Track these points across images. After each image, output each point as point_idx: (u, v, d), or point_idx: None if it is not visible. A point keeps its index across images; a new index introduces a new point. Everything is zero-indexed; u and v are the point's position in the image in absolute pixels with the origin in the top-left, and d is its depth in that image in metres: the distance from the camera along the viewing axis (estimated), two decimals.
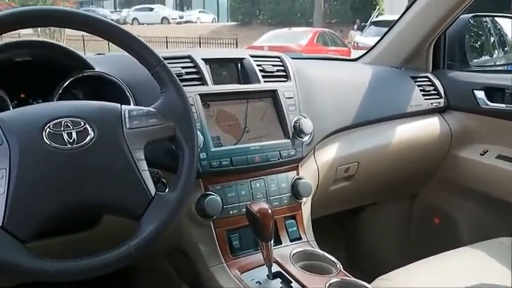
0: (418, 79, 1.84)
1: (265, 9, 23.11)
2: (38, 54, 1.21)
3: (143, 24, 25.38)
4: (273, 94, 1.39)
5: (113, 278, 1.35)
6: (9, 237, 0.83)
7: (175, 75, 1.04)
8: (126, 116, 0.96)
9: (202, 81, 1.32)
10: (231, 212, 1.28)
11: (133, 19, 26.84)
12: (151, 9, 27.31)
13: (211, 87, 1.32)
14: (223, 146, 1.29)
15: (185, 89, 1.08)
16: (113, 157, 0.93)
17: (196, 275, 1.31)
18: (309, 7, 21.24)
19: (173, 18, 26.93)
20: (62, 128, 0.90)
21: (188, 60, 1.34)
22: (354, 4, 20.03)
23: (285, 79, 1.45)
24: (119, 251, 0.90)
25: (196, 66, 1.34)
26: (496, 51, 2.19)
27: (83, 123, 0.92)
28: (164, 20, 26.59)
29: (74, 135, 0.90)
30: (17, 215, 0.84)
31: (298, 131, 1.38)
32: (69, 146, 0.89)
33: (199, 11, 28.91)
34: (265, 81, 1.40)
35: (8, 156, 0.85)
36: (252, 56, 1.44)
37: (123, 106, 0.98)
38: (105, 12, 28.35)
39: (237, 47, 15.11)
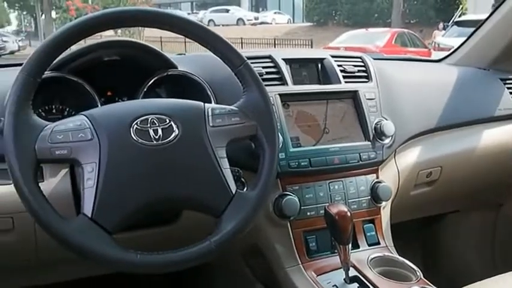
0: (508, 81, 1.75)
1: (341, 9, 22.86)
2: (125, 54, 1.26)
3: (219, 25, 25.75)
4: (353, 95, 1.37)
5: (187, 276, 1.38)
6: (97, 228, 0.86)
7: (257, 74, 1.04)
8: (209, 114, 0.98)
9: (282, 81, 1.32)
10: (308, 213, 1.27)
11: (209, 20, 27.32)
12: (227, 11, 27.71)
13: (291, 87, 1.32)
14: (302, 147, 1.28)
15: (267, 89, 1.07)
16: (196, 154, 0.94)
17: (271, 275, 1.31)
18: (387, 7, 20.76)
19: (248, 20, 27.14)
20: (149, 125, 0.92)
21: (269, 60, 1.35)
22: (435, 3, 19.40)
23: (366, 80, 1.42)
24: (200, 247, 0.92)
25: (276, 66, 1.34)
26: None
27: (168, 121, 0.94)
28: (239, 21, 26.88)
29: (160, 131, 0.92)
30: (105, 208, 0.87)
31: (379, 133, 1.35)
32: (154, 142, 0.91)
33: (275, 12, 29.00)
34: (345, 82, 1.38)
35: (98, 150, 0.89)
36: (333, 56, 1.43)
37: (206, 104, 1.00)
38: (182, 14, 29.23)
39: (312, 48, 15.06)
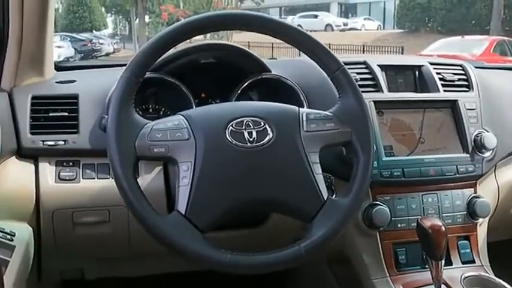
0: None
1: (435, 16, 22.12)
2: (221, 57, 1.28)
3: (307, 31, 25.79)
4: (452, 104, 1.32)
5: (270, 279, 1.38)
6: (190, 226, 0.88)
7: (354, 80, 1.02)
8: (304, 118, 0.97)
9: (377, 87, 1.29)
10: (399, 225, 1.24)
11: (297, 26, 27.42)
12: (315, 16, 27.57)
13: (387, 95, 1.29)
14: (396, 156, 1.24)
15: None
16: (290, 158, 0.94)
17: (357, 285, 1.29)
18: (486, 13, 19.76)
19: (337, 26, 26.81)
20: (244, 127, 0.93)
21: (364, 66, 1.33)
22: None
23: (467, 89, 1.37)
24: (289, 251, 0.91)
25: (371, 72, 1.31)
26: None
27: (262, 123, 0.94)
28: (328, 27, 26.64)
29: (254, 134, 0.93)
30: (198, 206, 0.89)
31: (479, 146, 1.28)
32: (249, 144, 0.92)
33: (364, 18, 28.55)
34: (444, 91, 1.33)
35: (194, 150, 0.91)
36: (431, 64, 1.38)
37: (301, 109, 0.99)
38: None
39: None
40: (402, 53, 14.86)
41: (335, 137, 0.98)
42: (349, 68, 1.24)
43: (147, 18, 27.04)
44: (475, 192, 1.30)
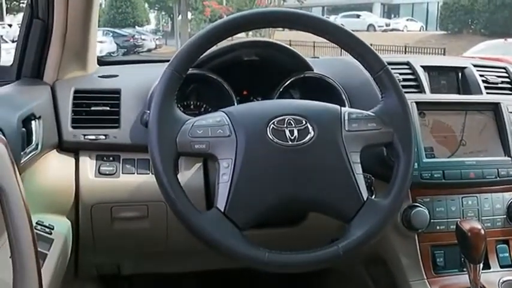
0: None
1: (478, 18, 21.66)
2: (264, 55, 1.30)
3: None
4: (495, 107, 1.31)
5: (306, 278, 1.39)
6: (229, 223, 0.89)
7: (397, 81, 1.02)
8: (346, 118, 0.97)
9: (419, 88, 1.29)
10: (438, 227, 1.23)
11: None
12: (358, 16, 27.33)
13: (429, 96, 1.28)
14: (436, 158, 1.24)
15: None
16: (330, 157, 0.94)
17: (393, 286, 1.28)
18: None
19: (379, 26, 26.56)
20: (285, 125, 0.94)
21: (407, 66, 1.33)
22: None
23: (510, 92, 1.36)
24: (328, 251, 0.92)
25: (414, 73, 1.31)
26: None
27: (304, 122, 0.95)
28: (370, 27, 26.40)
29: (296, 132, 0.94)
30: (238, 203, 0.90)
31: None
32: (290, 142, 0.93)
33: (407, 19, 28.15)
34: (487, 93, 1.32)
35: (235, 147, 0.92)
36: (475, 66, 1.37)
37: (342, 108, 0.99)
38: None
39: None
40: (444, 55, 14.62)
41: (377, 137, 0.99)
42: (392, 68, 1.24)
43: (189, 15, 27.29)
44: None
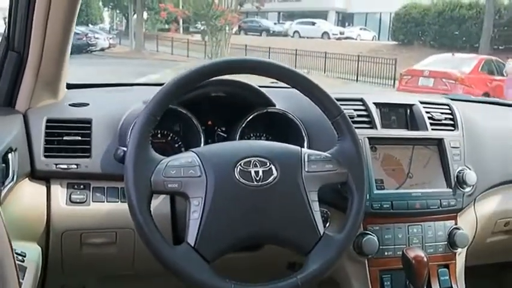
0: None
1: (428, 30, 22.31)
2: (230, 91, 1.38)
3: (304, 37, 25.78)
4: (439, 142, 1.43)
5: None
6: (198, 257, 0.98)
7: (353, 125, 1.13)
8: (306, 160, 1.07)
9: (371, 124, 1.39)
10: (386, 253, 1.33)
11: (294, 32, 27.33)
12: (313, 24, 27.54)
13: (380, 131, 1.39)
14: (386, 190, 1.35)
15: (356, 131, 1.15)
16: (291, 196, 1.04)
17: None
18: (476, 31, 19.99)
19: (334, 34, 26.93)
20: (251, 166, 1.03)
21: (360, 103, 1.43)
22: None
23: (453, 128, 1.47)
24: (288, 282, 1.01)
25: (367, 109, 1.41)
26: None
27: (268, 163, 1.04)
28: (325, 34, 26.71)
29: (261, 173, 1.03)
30: (207, 239, 0.98)
31: (461, 182, 1.39)
32: (255, 183, 1.02)
33: (360, 28, 28.69)
34: (432, 129, 1.44)
35: (205, 186, 1.00)
36: (422, 103, 1.49)
37: (303, 150, 1.09)
38: (269, 24, 29.34)
39: (395, 67, 14.84)
40: (395, 66, 15.03)
41: (333, 177, 1.09)
42: (347, 105, 1.35)
43: (145, 15, 26.96)
44: (456, 224, 1.41)
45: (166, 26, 27.09)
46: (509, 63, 10.01)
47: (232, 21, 19.03)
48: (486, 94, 10.66)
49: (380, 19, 30.10)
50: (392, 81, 14.58)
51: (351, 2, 30.89)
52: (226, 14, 18.35)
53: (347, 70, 16.68)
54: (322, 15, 30.37)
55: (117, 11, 33.12)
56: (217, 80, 1.31)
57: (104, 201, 1.22)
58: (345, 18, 32.73)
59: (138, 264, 1.29)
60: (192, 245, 0.98)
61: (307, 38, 25.32)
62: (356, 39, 26.76)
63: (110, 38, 24.56)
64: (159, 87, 1.04)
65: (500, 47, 19.21)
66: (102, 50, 21.46)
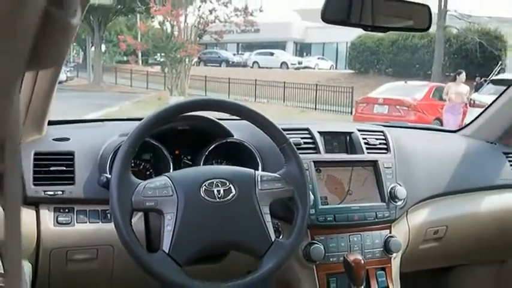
0: (510, 155, 2.03)
1: (383, 59, 22.97)
2: (194, 124, 1.60)
3: (263, 67, 26.13)
4: (374, 164, 1.67)
5: None
6: (172, 262, 1.20)
7: (297, 152, 1.37)
8: (259, 180, 1.31)
9: (316, 149, 1.63)
10: (331, 259, 1.55)
11: (253, 62, 27.64)
12: (271, 54, 27.97)
13: (324, 156, 1.63)
14: (329, 205, 1.58)
15: (302, 156, 1.40)
16: (247, 210, 1.28)
17: None
18: (428, 59, 20.85)
19: (292, 64, 27.39)
20: (214, 187, 1.26)
21: (306, 132, 1.66)
22: (475, 58, 19.42)
23: (386, 151, 1.72)
24: (246, 280, 1.24)
25: (312, 137, 1.65)
26: None
27: (228, 183, 1.27)
28: (283, 64, 27.13)
29: (222, 192, 1.26)
30: (179, 246, 1.20)
31: (393, 197, 1.63)
32: (217, 200, 1.25)
33: (318, 58, 29.19)
34: (368, 153, 1.68)
35: (176, 204, 1.23)
36: (359, 130, 1.74)
37: (256, 172, 1.33)
38: (228, 55, 29.77)
39: (352, 95, 15.30)
40: (352, 94, 15.51)
41: (281, 194, 1.33)
42: (295, 134, 1.59)
43: (103, 47, 26.99)
44: (390, 232, 1.63)
45: (125, 58, 27.11)
46: (449, 87, 10.53)
47: (192, 52, 19.27)
48: (438, 119, 11.18)
49: (337, 49, 30.79)
50: (350, 108, 14.98)
51: (308, 33, 31.50)
52: (186, 45, 18.59)
53: (306, 99, 17.07)
54: (281, 45, 30.94)
55: (74, 44, 33.08)
56: (183, 116, 1.54)
57: (86, 222, 1.40)
58: (302, 48, 33.38)
59: (116, 277, 1.46)
60: (167, 252, 1.19)
61: (267, 68, 25.73)
62: (314, 68, 27.31)
63: (68, 71, 24.46)
64: (132, 122, 1.26)
65: (451, 74, 19.96)
66: (60, 82, 21.13)
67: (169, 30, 19.40)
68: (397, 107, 11.43)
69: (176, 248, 1.20)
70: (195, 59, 23.34)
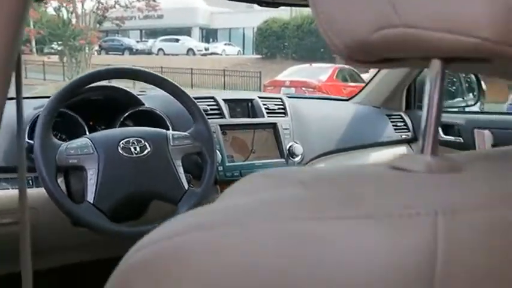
0: (392, 116, 2.32)
1: (289, 43, 23.47)
2: (107, 95, 1.71)
3: (169, 54, 25.85)
4: (273, 126, 1.87)
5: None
6: (97, 210, 1.33)
7: (203, 112, 1.55)
8: (170, 138, 1.47)
9: (222, 115, 1.81)
10: None
11: (159, 49, 27.24)
12: (177, 40, 27.70)
13: (228, 120, 1.81)
14: (235, 162, 1.76)
15: (210, 121, 1.57)
16: (162, 164, 1.43)
17: None
18: None
19: (199, 50, 27.30)
20: (130, 144, 1.41)
21: (212, 100, 1.84)
22: None
23: (284, 115, 1.93)
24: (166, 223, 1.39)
25: (217, 104, 1.82)
26: (456, 97, 2.66)
27: (143, 141, 1.42)
28: (190, 51, 26.99)
29: (138, 149, 1.41)
30: (102, 197, 1.34)
31: (292, 153, 1.85)
32: (134, 155, 1.40)
33: (225, 44, 29.27)
34: (268, 116, 1.89)
35: (97, 160, 1.36)
36: (260, 97, 1.94)
37: (168, 131, 1.49)
38: (131, 42, 28.93)
39: (260, 80, 15.64)
40: (260, 78, 15.87)
41: (191, 149, 1.50)
42: (201, 101, 1.76)
43: None
44: None
45: None
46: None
47: (93, 40, 18.70)
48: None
49: (243, 34, 30.97)
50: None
51: (214, 18, 31.50)
52: (85, 33, 18.02)
53: (214, 85, 17.24)
54: (186, 31, 30.64)
55: None
56: (96, 86, 1.64)
57: (9, 189, 1.48)
58: (209, 34, 33.23)
59: (40, 237, 1.55)
60: (92, 202, 1.33)
61: (172, 55, 25.46)
62: (221, 54, 27.34)
63: None
64: (42, 99, 1.37)
65: None
66: None
67: (65, 17, 18.67)
68: (303, 88, 11.88)
69: (100, 198, 1.33)
70: (96, 47, 22.60)
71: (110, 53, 26.73)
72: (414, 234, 0.34)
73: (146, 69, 1.56)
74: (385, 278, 0.34)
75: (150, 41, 29.37)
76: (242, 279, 0.34)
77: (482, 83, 2.48)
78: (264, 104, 1.92)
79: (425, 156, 0.42)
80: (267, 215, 0.36)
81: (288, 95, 2.26)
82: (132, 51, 27.76)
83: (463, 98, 2.61)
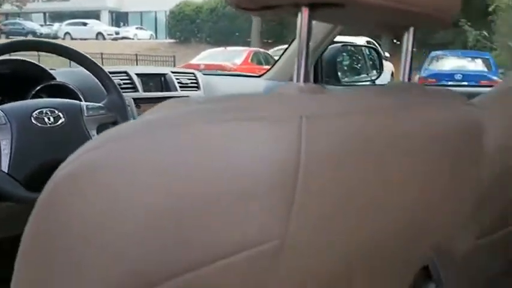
0: None
1: (203, 27, 23.37)
2: (16, 68, 1.68)
3: (76, 39, 24.91)
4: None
5: None
6: (12, 179, 1.32)
7: (116, 84, 1.56)
8: (85, 108, 1.47)
9: (135, 89, 1.83)
10: None
11: (65, 33, 26.20)
12: (85, 24, 26.71)
13: (142, 94, 1.83)
14: None
15: (124, 94, 1.59)
16: (77, 134, 1.43)
17: None
18: (247, 27, 21.64)
19: (109, 34, 26.52)
20: (44, 115, 1.40)
21: (125, 74, 1.85)
22: (289, 25, 20.63)
23: (196, 89, 1.99)
24: None
25: (130, 78, 1.84)
26: (361, 73, 2.83)
27: (57, 112, 1.42)
28: (99, 35, 26.21)
29: (52, 119, 1.40)
30: (16, 166, 1.33)
31: None
32: (48, 125, 1.39)
33: (136, 28, 28.71)
34: (181, 90, 1.93)
35: (10, 131, 1.34)
36: (173, 72, 1.97)
37: (81, 103, 1.49)
38: (35, 26, 27.57)
39: (174, 64, 15.45)
40: (174, 63, 15.70)
41: (106, 119, 1.51)
42: (114, 76, 1.76)
43: None
44: None
45: None
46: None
47: None
48: None
49: (156, 17, 30.50)
50: None
51: (124, 1, 30.69)
52: None
53: None
54: (94, 15, 29.54)
55: None
56: (2, 60, 1.61)
57: None
58: (119, 18, 32.35)
59: None
60: (6, 171, 1.32)
61: (81, 39, 24.47)
62: (133, 38, 26.81)
63: None
64: None
65: (269, 41, 21.09)
66: None
67: None
68: (219, 71, 11.93)
69: (14, 167, 1.32)
70: None
71: (11, 37, 24.93)
72: (283, 134, 0.46)
73: (50, 40, 1.55)
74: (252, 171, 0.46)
75: (56, 25, 28.04)
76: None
77: (388, 63, 2.65)
78: (177, 79, 1.95)
79: (298, 83, 0.56)
80: (173, 124, 0.43)
81: (202, 72, 2.31)
82: (35, 35, 26.08)
83: (367, 74, 2.78)
